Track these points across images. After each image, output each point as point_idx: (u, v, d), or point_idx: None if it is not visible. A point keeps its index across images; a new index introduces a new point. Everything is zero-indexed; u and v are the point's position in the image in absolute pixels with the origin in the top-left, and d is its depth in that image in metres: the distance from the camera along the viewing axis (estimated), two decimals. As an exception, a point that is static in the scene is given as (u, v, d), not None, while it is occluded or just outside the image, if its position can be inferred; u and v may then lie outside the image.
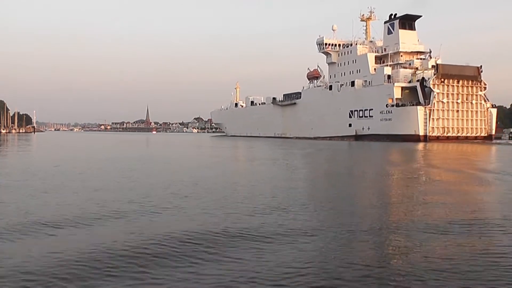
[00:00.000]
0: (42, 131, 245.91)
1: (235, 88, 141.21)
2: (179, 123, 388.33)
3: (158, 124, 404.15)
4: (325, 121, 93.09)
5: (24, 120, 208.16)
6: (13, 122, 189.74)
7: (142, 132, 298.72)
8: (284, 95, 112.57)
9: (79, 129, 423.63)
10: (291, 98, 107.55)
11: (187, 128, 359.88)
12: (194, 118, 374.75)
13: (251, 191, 15.44)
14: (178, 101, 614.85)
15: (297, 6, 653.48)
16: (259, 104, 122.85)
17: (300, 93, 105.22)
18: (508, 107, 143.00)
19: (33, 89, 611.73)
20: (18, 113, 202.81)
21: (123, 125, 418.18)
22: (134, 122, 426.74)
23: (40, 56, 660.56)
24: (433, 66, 79.40)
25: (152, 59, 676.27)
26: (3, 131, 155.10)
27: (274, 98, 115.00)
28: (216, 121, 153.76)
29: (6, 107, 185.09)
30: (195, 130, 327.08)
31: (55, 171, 22.60)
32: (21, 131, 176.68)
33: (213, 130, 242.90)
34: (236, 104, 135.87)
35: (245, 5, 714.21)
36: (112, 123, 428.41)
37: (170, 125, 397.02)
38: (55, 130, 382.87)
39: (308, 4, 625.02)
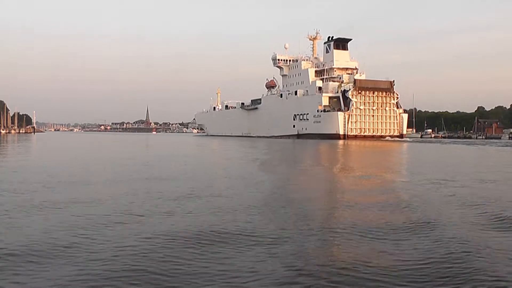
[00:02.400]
0: (42, 132, 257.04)
1: (216, 93, 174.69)
2: (179, 124, 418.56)
3: (158, 125, 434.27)
4: (277, 123, 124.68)
5: (24, 120, 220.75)
6: (13, 123, 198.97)
7: (142, 133, 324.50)
8: (251, 100, 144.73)
9: (79, 129, 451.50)
10: (255, 104, 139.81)
11: (187, 128, 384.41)
12: (194, 119, 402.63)
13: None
14: (178, 101, 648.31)
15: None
16: (232, 108, 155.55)
17: (261, 99, 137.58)
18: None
19: (33, 89, 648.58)
20: (18, 113, 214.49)
21: (123, 125, 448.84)
22: (134, 123, 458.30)
23: (40, 56, 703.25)
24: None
25: (152, 59, 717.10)
26: (3, 132, 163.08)
27: (242, 103, 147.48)
28: (198, 122, 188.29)
29: (6, 107, 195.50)
30: (195, 131, 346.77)
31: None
32: (21, 131, 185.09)
33: None
34: (214, 108, 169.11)
35: (248, 5, 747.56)
36: (112, 123, 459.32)
37: (170, 125, 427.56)
38: (55, 130, 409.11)
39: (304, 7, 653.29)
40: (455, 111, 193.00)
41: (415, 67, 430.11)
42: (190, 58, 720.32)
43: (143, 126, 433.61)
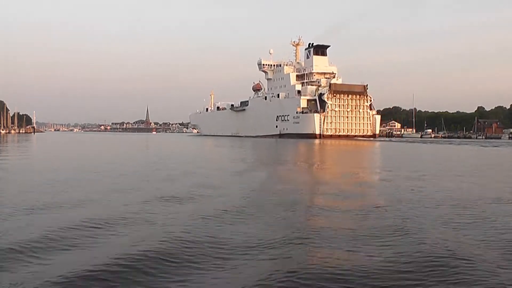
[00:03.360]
0: (42, 132, 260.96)
1: (210, 95, 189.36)
2: (179, 123, 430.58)
3: (158, 125, 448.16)
4: (262, 123, 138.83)
5: (24, 120, 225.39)
6: (13, 123, 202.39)
7: (142, 133, 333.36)
8: (240, 102, 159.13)
9: (79, 129, 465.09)
10: (243, 105, 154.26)
11: (187, 128, 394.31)
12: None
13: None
14: (178, 101, 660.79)
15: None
16: (222, 109, 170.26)
17: (248, 101, 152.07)
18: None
19: (33, 89, 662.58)
20: (18, 113, 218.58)
21: (123, 125, 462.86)
22: (134, 123, 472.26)
23: (40, 56, 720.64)
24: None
25: (152, 59, 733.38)
26: (3, 132, 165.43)
27: (232, 105, 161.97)
28: (192, 122, 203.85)
29: (6, 107, 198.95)
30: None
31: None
32: (20, 131, 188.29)
33: None
34: (207, 109, 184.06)
35: (248, 5, 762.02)
36: (112, 123, 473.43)
37: (170, 125, 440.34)
38: (55, 130, 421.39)
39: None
40: (455, 111, 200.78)
41: (415, 67, 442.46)
42: (190, 58, 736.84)
43: (143, 126, 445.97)
